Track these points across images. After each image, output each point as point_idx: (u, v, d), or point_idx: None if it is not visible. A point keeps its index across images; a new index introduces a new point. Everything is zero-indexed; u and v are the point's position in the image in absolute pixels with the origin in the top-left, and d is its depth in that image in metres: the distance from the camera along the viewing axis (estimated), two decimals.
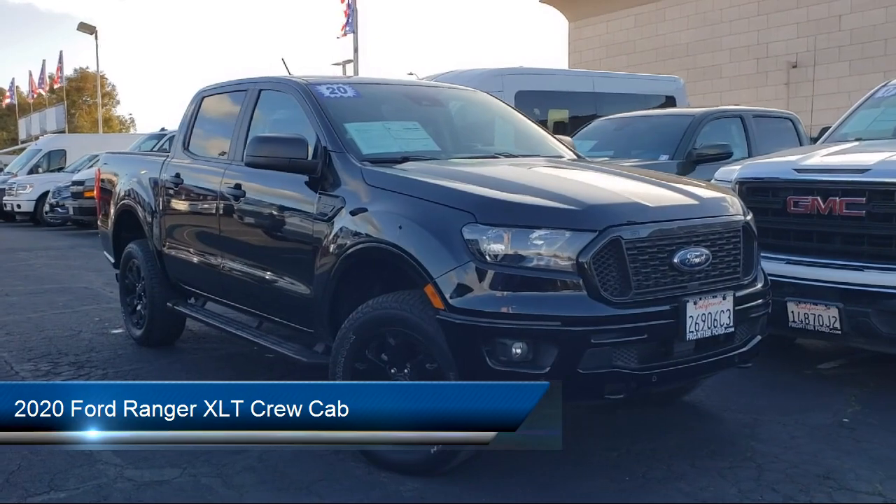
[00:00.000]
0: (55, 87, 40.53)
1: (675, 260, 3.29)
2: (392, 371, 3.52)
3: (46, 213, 18.56)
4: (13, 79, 47.52)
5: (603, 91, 10.80)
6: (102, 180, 6.61)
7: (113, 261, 6.43)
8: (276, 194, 4.36)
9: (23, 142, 40.78)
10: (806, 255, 4.59)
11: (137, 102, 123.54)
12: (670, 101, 11.65)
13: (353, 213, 3.73)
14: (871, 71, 20.33)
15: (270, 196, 4.40)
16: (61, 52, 37.77)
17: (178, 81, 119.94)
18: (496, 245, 3.16)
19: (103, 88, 62.86)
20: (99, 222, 6.83)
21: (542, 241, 3.14)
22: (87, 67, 61.39)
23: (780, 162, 4.91)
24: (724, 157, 7.09)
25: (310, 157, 4.02)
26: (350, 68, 22.56)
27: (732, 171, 5.05)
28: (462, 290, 3.18)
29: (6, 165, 26.02)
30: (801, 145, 8.38)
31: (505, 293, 3.14)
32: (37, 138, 30.87)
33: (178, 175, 5.31)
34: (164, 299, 5.62)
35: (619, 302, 3.15)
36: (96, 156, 20.13)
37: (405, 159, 4.01)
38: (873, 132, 5.57)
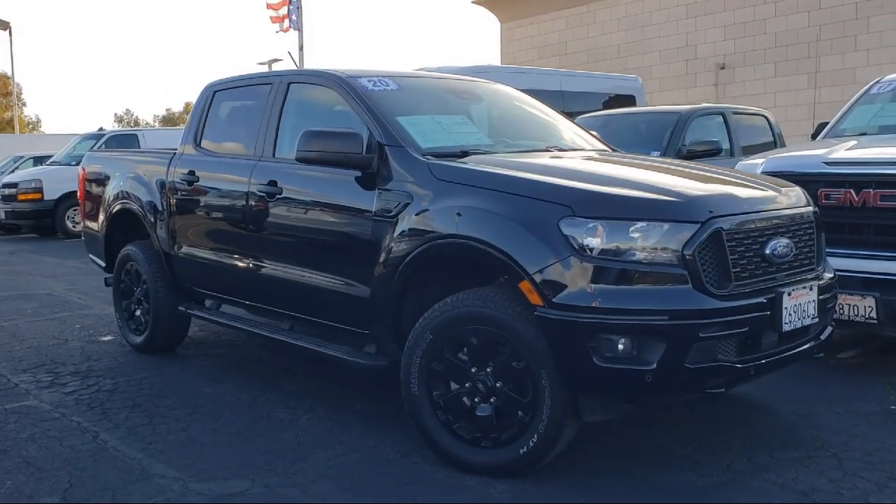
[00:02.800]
0: None
1: (767, 251, 3.30)
2: (473, 370, 3.41)
3: None
4: None
5: (569, 89, 10.88)
6: (87, 181, 6.27)
7: (104, 265, 6.09)
8: (320, 192, 4.19)
9: None
10: (838, 246, 4.67)
11: (42, 104, 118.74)
12: (630, 100, 11.83)
13: (422, 211, 3.60)
14: (794, 73, 21.19)
15: (314, 194, 4.22)
16: None
17: (84, 83, 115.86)
18: (596, 239, 3.10)
19: (8, 88, 60.22)
20: (83, 225, 6.47)
21: (642, 234, 3.09)
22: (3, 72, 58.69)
23: (808, 155, 5.00)
24: (714, 153, 7.22)
25: (364, 152, 3.88)
26: (278, 67, 22.13)
27: (755, 164, 5.12)
28: (562, 285, 3.10)
29: None
30: (774, 140, 8.62)
31: (608, 287, 3.07)
32: None
33: (191, 173, 5.06)
34: (171, 303, 5.36)
35: (722, 294, 3.13)
36: (22, 157, 19.27)
37: (465, 153, 3.90)
38: (876, 127, 5.74)
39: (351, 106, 4.15)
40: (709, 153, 7.16)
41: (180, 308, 5.28)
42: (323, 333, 4.39)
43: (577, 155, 4.24)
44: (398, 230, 3.68)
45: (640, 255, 3.09)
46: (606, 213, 3.14)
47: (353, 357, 4.02)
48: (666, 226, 3.11)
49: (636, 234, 3.10)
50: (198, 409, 4.45)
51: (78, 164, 7.06)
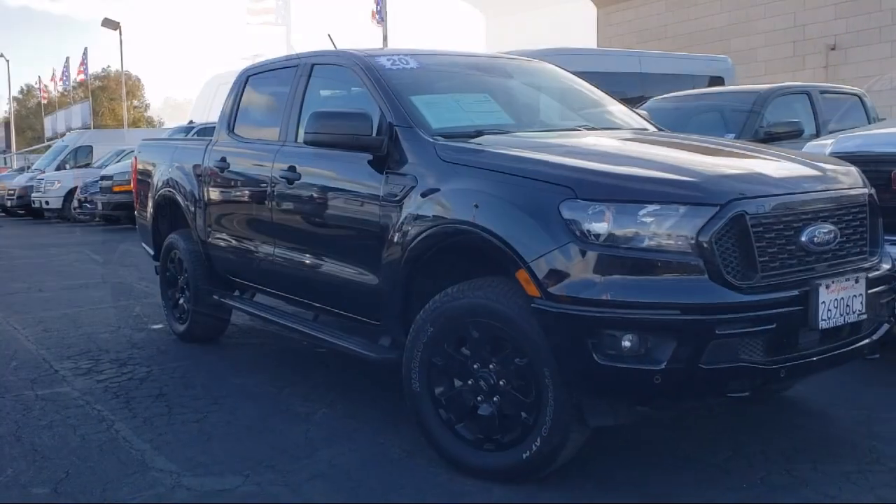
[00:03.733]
0: (80, 82, 40.50)
1: (803, 238, 2.90)
2: (475, 367, 3.15)
3: (75, 209, 18.41)
4: (39, 77, 47.54)
5: (649, 71, 10.36)
6: (139, 170, 6.30)
7: (152, 253, 6.11)
8: (335, 176, 4.01)
9: (48, 139, 40.86)
10: None
11: (164, 102, 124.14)
12: (718, 82, 11.19)
13: (426, 194, 3.36)
14: None
15: (329, 179, 4.04)
16: (86, 49, 37.68)
17: (196, 80, 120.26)
18: (600, 223, 2.77)
19: (137, 91, 63.18)
20: (136, 214, 6.52)
21: (654, 218, 2.75)
22: (110, 67, 61.72)
23: (883, 134, 4.48)
24: (796, 134, 6.65)
25: (374, 134, 3.67)
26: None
27: (824, 145, 4.64)
28: (561, 275, 2.80)
29: (33, 163, 25.95)
30: (869, 123, 7.92)
31: (612, 277, 2.75)
32: (62, 136, 30.82)
33: (223, 160, 4.97)
34: (208, 292, 5.30)
35: (745, 287, 2.75)
36: (124, 150, 20.02)
37: (479, 133, 3.63)
38: None
39: (366, 85, 3.94)
40: (790, 135, 6.60)
41: (214, 297, 5.21)
42: (344, 325, 4.21)
43: (605, 135, 3.90)
44: (402, 215, 3.45)
45: (650, 242, 2.75)
46: (613, 195, 2.81)
47: (365, 350, 3.82)
48: (681, 209, 2.76)
49: (647, 219, 2.76)
50: (219, 400, 4.35)
51: None
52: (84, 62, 37.34)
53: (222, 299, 5.16)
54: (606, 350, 2.73)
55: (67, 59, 40.23)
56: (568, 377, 2.84)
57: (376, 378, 4.56)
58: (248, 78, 5.15)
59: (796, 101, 7.53)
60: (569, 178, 2.89)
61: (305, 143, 3.84)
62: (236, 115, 5.13)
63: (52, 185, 19.56)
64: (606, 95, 4.67)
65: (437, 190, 3.32)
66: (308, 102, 4.42)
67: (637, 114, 4.54)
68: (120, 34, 31.27)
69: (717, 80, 11.34)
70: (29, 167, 25.28)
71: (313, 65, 4.47)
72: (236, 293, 5.22)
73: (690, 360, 2.69)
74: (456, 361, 3.20)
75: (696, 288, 2.71)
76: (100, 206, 16.15)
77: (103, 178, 15.96)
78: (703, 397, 2.95)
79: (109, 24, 30.72)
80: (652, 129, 4.33)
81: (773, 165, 3.14)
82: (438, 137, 3.54)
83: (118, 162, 18.88)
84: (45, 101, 47.55)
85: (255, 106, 5.08)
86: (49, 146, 30.90)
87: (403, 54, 4.18)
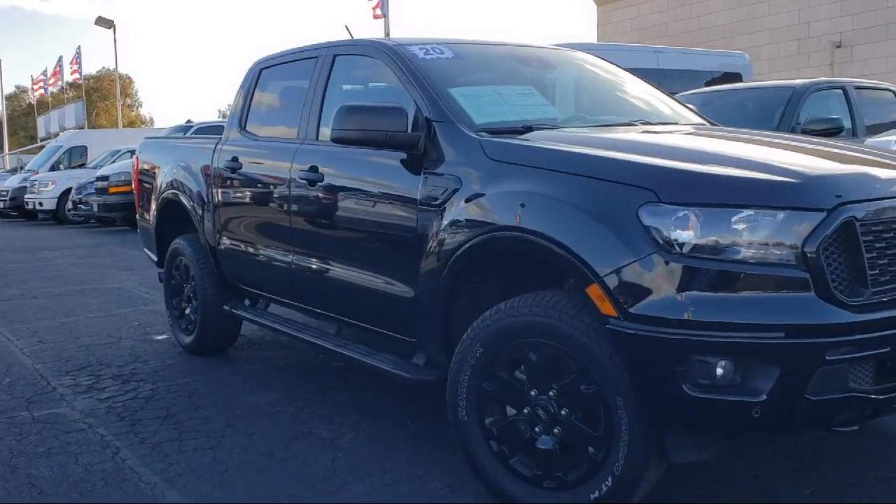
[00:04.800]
0: (74, 81, 39.99)
1: None
2: (532, 393, 2.78)
3: (69, 210, 18.01)
4: (32, 76, 46.89)
5: (668, 67, 10.00)
6: (141, 171, 5.91)
7: (156, 259, 5.72)
8: (363, 177, 3.63)
9: (42, 139, 40.30)
10: None
11: (155, 102, 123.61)
12: (736, 78, 10.83)
13: (472, 197, 2.99)
14: None
15: (357, 180, 3.66)
16: (79, 48, 37.04)
17: (190, 82, 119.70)
18: (687, 231, 2.40)
19: (128, 89, 62.70)
20: (138, 217, 6.13)
21: (749, 225, 2.38)
22: (108, 68, 61.17)
23: None
24: (835, 132, 6.29)
25: (409, 130, 3.29)
26: None
27: (889, 140, 4.27)
28: (642, 291, 2.43)
29: (26, 164, 25.46)
30: None
31: (703, 294, 2.37)
32: (56, 136, 30.34)
33: (235, 160, 4.59)
34: (218, 302, 4.92)
35: (854, 304, 2.38)
36: (119, 151, 19.59)
37: (528, 129, 3.26)
38: None
39: (398, 77, 3.57)
40: (828, 133, 6.24)
41: (225, 307, 4.83)
42: (371, 339, 3.83)
43: (667, 129, 3.53)
44: (445, 221, 3.07)
45: (745, 253, 2.38)
46: (701, 198, 2.43)
47: (397, 369, 3.44)
48: (781, 214, 2.38)
49: (741, 226, 2.39)
50: (233, 421, 3.97)
51: None
52: (77, 61, 36.80)
53: (234, 310, 4.77)
54: (697, 378, 2.36)
55: (61, 57, 39.69)
56: (650, 409, 2.47)
57: (401, 395, 4.20)
58: (261, 71, 4.76)
59: (832, 97, 7.18)
60: (649, 178, 2.51)
61: (332, 140, 3.45)
62: (248, 111, 4.74)
63: (46, 185, 19.14)
64: (654, 88, 4.31)
65: (486, 193, 2.95)
66: (330, 97, 4.04)
67: (687, 108, 4.17)
68: (114, 32, 30.83)
69: (733, 77, 10.99)
70: (22, 168, 24.81)
71: (335, 56, 4.09)
72: (247, 302, 4.83)
73: (795, 390, 2.32)
74: (510, 387, 2.83)
75: (802, 306, 2.33)
76: (95, 208, 15.73)
77: (99, 178, 15.54)
78: (805, 430, 2.58)
79: (103, 22, 30.27)
80: (707, 123, 3.96)
81: (876, 166, 2.76)
82: (483, 133, 3.16)
83: (114, 162, 18.49)
84: (38, 100, 46.92)
85: (270, 101, 4.71)
86: (42, 146, 30.40)
87: (436, 43, 3.81)
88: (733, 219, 2.39)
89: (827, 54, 21.80)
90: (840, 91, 7.24)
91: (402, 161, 3.35)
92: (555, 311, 2.68)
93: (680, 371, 2.36)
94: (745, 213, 2.39)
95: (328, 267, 3.84)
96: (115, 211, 15.30)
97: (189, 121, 17.18)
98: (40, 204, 19.08)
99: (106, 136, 24.15)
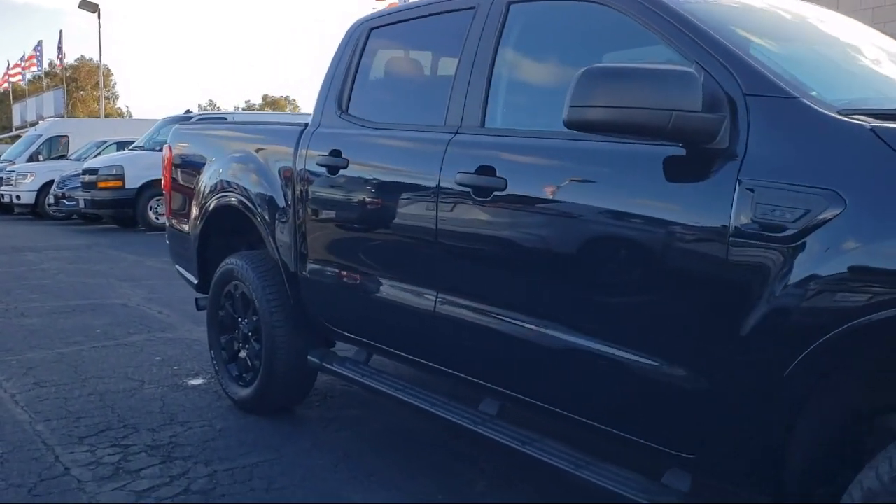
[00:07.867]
0: (59, 67, 38.20)
1: None
2: None
3: (50, 205, 16.50)
4: (8, 62, 44.74)
5: None
6: (176, 164, 4.55)
7: (196, 282, 4.35)
8: (593, 188, 2.33)
9: (17, 128, 38.38)
10: None
11: (130, 95, 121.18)
12: None
13: (878, 234, 1.69)
14: None
15: (578, 192, 2.36)
16: (61, 32, 35.22)
17: (167, 75, 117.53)
18: None
19: (106, 81, 60.75)
20: (168, 224, 4.77)
21: None
22: (90, 59, 59.31)
23: None
24: None
25: (701, 110, 1.98)
26: None
27: None
28: None
29: (1, 153, 23.77)
30: None
31: None
32: (33, 125, 28.62)
33: (335, 154, 3.26)
34: (298, 349, 3.58)
35: None
36: (105, 142, 18.08)
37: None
38: None
39: (656, 31, 2.26)
40: None
41: (311, 358, 3.49)
42: (565, 434, 2.52)
43: None
44: (800, 270, 1.78)
45: None
46: None
47: (637, 496, 2.14)
48: None
49: None
50: None
51: (162, 149, 5.40)
52: (60, 46, 35.01)
53: (325, 363, 3.43)
54: None
55: (40, 42, 37.87)
56: None
57: (564, 485, 2.88)
58: (370, 31, 3.43)
59: None
60: None
61: (569, 124, 2.11)
62: (352, 86, 3.41)
63: (25, 177, 17.57)
64: None
65: None
66: (503, 66, 2.73)
67: None
68: (98, 18, 29.20)
69: None
70: None
71: (510, 3, 2.77)
72: (350, 354, 3.49)
73: None
74: None
75: None
76: (82, 203, 14.22)
77: (86, 171, 14.04)
78: None
79: (88, 6, 28.62)
80: None
81: None
82: (853, 118, 1.87)
83: (99, 154, 16.99)
84: (13, 87, 44.90)
85: (388, 74, 3.38)
86: (18, 136, 28.65)
87: None
88: None
89: None
90: None
91: (675, 160, 2.06)
92: None
93: None
94: None
95: (507, 318, 2.53)
96: (105, 208, 13.84)
97: (188, 111, 15.77)
98: (18, 197, 17.50)
99: (89, 126, 22.58)
